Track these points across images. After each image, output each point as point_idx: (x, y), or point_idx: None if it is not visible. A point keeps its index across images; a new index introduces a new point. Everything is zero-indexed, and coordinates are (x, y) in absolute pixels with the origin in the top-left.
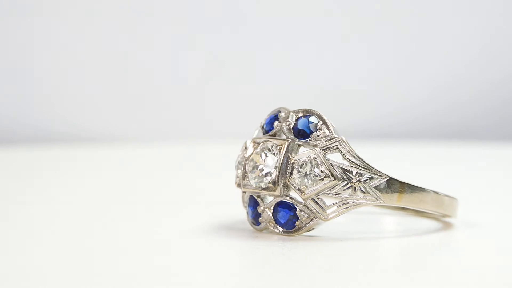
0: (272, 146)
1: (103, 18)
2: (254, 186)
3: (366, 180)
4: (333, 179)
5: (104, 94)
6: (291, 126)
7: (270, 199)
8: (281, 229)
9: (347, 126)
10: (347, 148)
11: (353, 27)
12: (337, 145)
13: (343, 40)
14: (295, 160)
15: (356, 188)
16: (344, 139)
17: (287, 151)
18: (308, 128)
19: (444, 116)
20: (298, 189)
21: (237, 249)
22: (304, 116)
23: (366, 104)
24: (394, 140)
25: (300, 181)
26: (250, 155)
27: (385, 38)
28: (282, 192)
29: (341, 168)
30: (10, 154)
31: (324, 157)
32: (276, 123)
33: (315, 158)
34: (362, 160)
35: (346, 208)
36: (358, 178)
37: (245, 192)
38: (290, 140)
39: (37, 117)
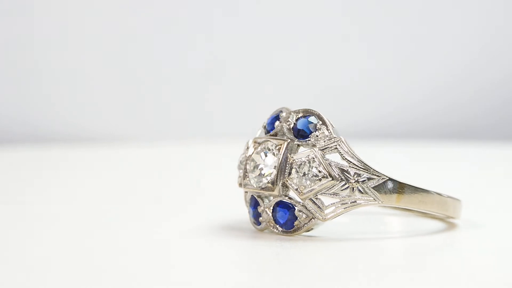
0: (272, 146)
1: (103, 18)
2: (254, 186)
3: (364, 180)
4: (331, 179)
5: (104, 94)
6: (291, 126)
7: (270, 199)
8: (280, 229)
9: (347, 126)
10: (346, 149)
11: (353, 27)
12: (336, 145)
13: (344, 40)
14: (293, 160)
15: (354, 188)
16: (343, 139)
17: (286, 151)
18: (308, 128)
19: (444, 116)
20: (296, 189)
21: (237, 249)
22: (304, 116)
23: (366, 104)
24: (394, 140)
25: (298, 181)
26: (250, 155)
27: (385, 38)
28: (281, 192)
29: (340, 169)
30: (10, 154)
31: (323, 157)
32: (277, 123)
33: (314, 158)
34: (360, 160)
35: (344, 208)
36: (356, 179)
37: (247, 192)
38: (289, 140)
39: (37, 117)
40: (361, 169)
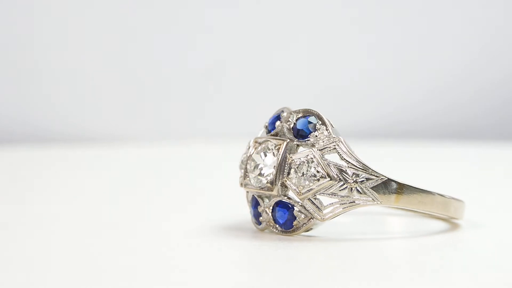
0: (271, 146)
1: (103, 18)
2: (254, 185)
3: (363, 180)
4: (329, 179)
5: (104, 94)
6: (291, 126)
7: (270, 199)
8: (279, 229)
9: (347, 126)
10: (344, 149)
11: (353, 27)
12: (335, 145)
13: (344, 40)
14: (292, 160)
15: (353, 188)
16: (342, 139)
17: (285, 151)
18: (307, 128)
19: (444, 116)
20: (295, 189)
21: (238, 249)
22: (304, 116)
23: (366, 104)
24: (394, 140)
25: (297, 181)
26: (251, 155)
27: (385, 38)
28: (280, 192)
29: (338, 169)
30: (10, 154)
31: (321, 157)
32: (278, 123)
33: (312, 159)
34: (359, 160)
35: (343, 208)
36: (354, 179)
37: (248, 192)
38: (288, 140)
39: (37, 117)
40: (360, 169)
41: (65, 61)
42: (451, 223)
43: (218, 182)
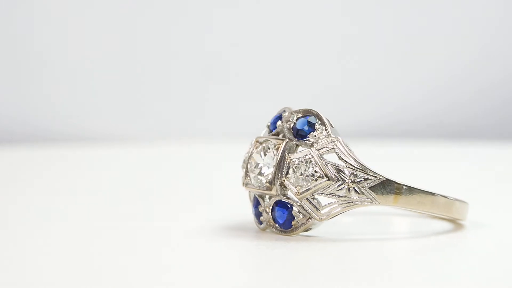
0: (271, 146)
1: (103, 18)
2: (254, 185)
3: (361, 181)
4: (326, 179)
5: (104, 94)
6: (291, 126)
7: (269, 199)
8: (279, 228)
9: (347, 126)
10: (343, 149)
11: (353, 27)
12: (333, 145)
13: (344, 39)
14: (291, 159)
15: (350, 188)
16: (340, 139)
17: (284, 150)
18: (306, 128)
19: (444, 116)
20: (293, 189)
21: (238, 249)
22: (304, 116)
23: (366, 104)
24: (394, 140)
25: (295, 181)
26: (251, 154)
27: (386, 38)
28: (279, 192)
29: (336, 169)
30: (10, 154)
31: (319, 157)
32: (279, 122)
33: (310, 158)
34: (357, 160)
35: (341, 208)
36: (352, 179)
37: (250, 191)
38: (287, 140)
39: (37, 117)
40: (358, 169)
41: (65, 61)
42: (455, 224)
43: (218, 182)
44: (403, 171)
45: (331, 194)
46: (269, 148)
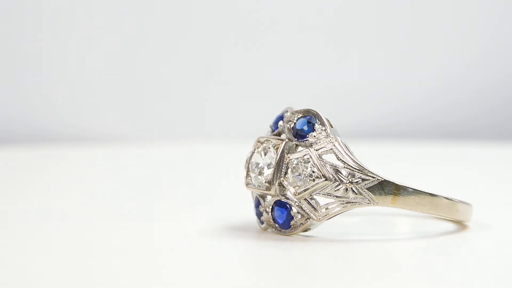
0: (271, 146)
1: (103, 18)
2: (255, 185)
3: (358, 181)
4: (324, 179)
5: (104, 94)
6: (291, 126)
7: (269, 198)
8: (278, 228)
9: (347, 126)
10: (341, 149)
11: (353, 27)
12: (331, 145)
13: (344, 39)
14: (290, 160)
15: (348, 189)
16: (339, 139)
17: (283, 151)
18: (306, 128)
19: (444, 116)
20: (291, 189)
21: (239, 249)
22: (304, 116)
23: (366, 104)
24: (394, 140)
25: (293, 181)
26: (252, 154)
27: (386, 38)
28: (278, 192)
29: (334, 169)
30: (10, 154)
31: (318, 157)
32: (280, 122)
33: (309, 159)
34: (355, 161)
35: (339, 209)
36: (350, 179)
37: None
38: (287, 140)
39: (37, 117)
40: (356, 170)
41: (65, 61)
42: (458, 224)
43: (218, 182)
44: (403, 171)
45: (329, 194)
46: (269, 148)
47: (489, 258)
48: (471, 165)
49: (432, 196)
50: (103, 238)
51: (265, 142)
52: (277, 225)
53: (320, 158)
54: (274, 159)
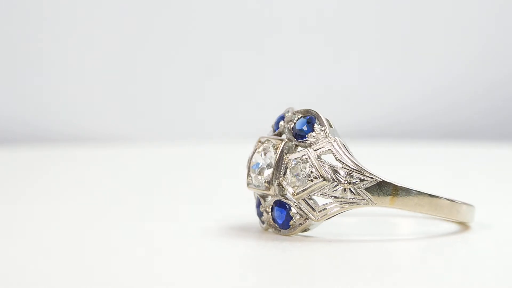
0: (271, 146)
1: (103, 18)
2: (255, 185)
3: (356, 181)
4: (322, 180)
5: (104, 94)
6: (291, 126)
7: (269, 198)
8: (278, 228)
9: (347, 126)
10: (339, 149)
11: (354, 27)
12: (330, 146)
13: (344, 40)
14: (289, 160)
15: (346, 189)
16: (338, 140)
17: (282, 151)
18: (305, 128)
19: (444, 116)
20: (290, 189)
21: (239, 249)
22: (304, 117)
23: (366, 104)
24: (394, 140)
25: (291, 181)
26: (253, 154)
27: (385, 38)
28: (277, 192)
29: (332, 169)
30: (10, 154)
31: (316, 157)
32: (281, 122)
33: (307, 159)
34: (354, 161)
35: (337, 209)
36: (348, 180)
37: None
38: (286, 140)
39: (37, 117)
40: (354, 170)
41: (65, 61)
42: (460, 225)
43: (218, 182)
44: (403, 171)
45: (327, 194)
46: (269, 148)
47: (489, 258)
48: (471, 165)
49: (431, 197)
50: (103, 238)
51: (266, 142)
52: (276, 225)
53: (319, 158)
54: (274, 159)
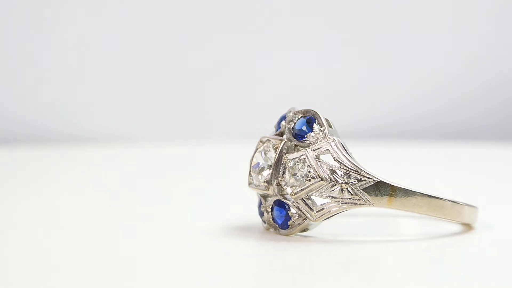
0: (271, 146)
1: (104, 18)
2: (256, 185)
3: (354, 182)
4: (320, 180)
5: (104, 94)
6: (292, 126)
7: (270, 198)
8: (278, 228)
9: (347, 126)
10: (337, 149)
11: (354, 28)
12: (328, 146)
13: (344, 40)
14: (287, 160)
15: (344, 189)
16: (336, 140)
17: (281, 151)
18: (305, 128)
19: (444, 116)
20: (288, 189)
21: (240, 249)
22: (304, 117)
23: (366, 104)
24: (393, 140)
25: (290, 181)
26: (254, 154)
27: (385, 38)
28: (276, 192)
29: (330, 169)
30: (10, 154)
31: (314, 158)
32: (282, 122)
33: (305, 159)
34: (352, 161)
35: (335, 209)
36: (345, 180)
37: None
38: (285, 140)
39: (37, 117)
40: (351, 171)
41: (65, 61)
42: (460, 225)
43: (218, 182)
44: (403, 171)
45: (324, 194)
46: (269, 148)
47: (489, 259)
48: (471, 165)
49: (430, 197)
50: (104, 238)
51: (266, 142)
52: (276, 225)
53: (317, 158)
54: (273, 159)
